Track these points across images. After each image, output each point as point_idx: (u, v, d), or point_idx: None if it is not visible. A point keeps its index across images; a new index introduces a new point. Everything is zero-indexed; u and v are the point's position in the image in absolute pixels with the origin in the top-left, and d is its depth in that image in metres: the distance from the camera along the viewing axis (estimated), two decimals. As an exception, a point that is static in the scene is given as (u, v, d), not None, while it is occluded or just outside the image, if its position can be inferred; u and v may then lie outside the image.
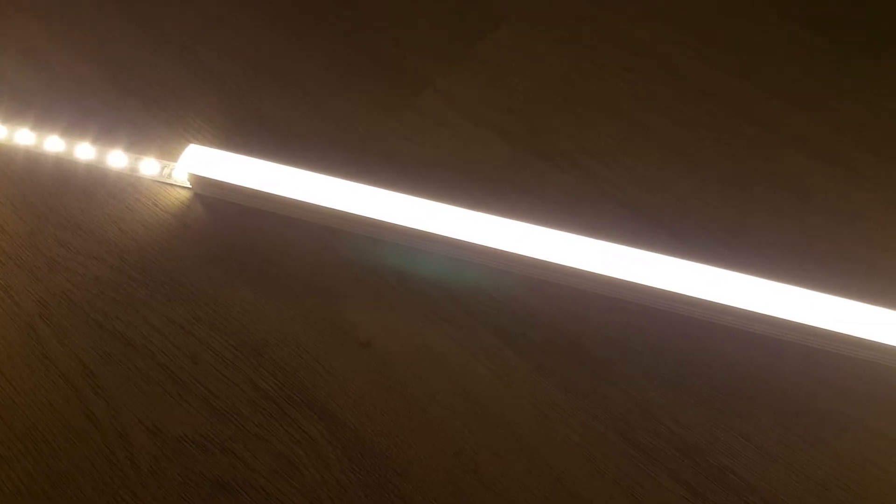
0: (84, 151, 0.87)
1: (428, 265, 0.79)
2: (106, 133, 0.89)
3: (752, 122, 0.90)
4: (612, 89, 0.93)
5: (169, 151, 0.88)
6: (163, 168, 0.86)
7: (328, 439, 0.69)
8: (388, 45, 0.98)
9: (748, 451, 0.68)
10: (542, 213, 0.80)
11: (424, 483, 0.67)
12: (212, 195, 0.84)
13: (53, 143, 0.87)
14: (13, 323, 0.76)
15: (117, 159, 0.86)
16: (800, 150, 0.87)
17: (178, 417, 0.70)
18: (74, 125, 0.90)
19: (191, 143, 0.86)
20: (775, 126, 0.89)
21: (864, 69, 0.95)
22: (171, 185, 0.86)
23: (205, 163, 0.83)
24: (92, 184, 0.86)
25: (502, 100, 0.92)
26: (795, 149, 0.87)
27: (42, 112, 0.91)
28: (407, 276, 0.78)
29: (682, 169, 0.86)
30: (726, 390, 0.71)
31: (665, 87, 0.93)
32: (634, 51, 0.96)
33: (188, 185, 0.85)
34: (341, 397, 0.71)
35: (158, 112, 0.91)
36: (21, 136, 0.88)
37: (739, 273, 0.74)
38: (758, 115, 0.90)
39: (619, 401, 0.71)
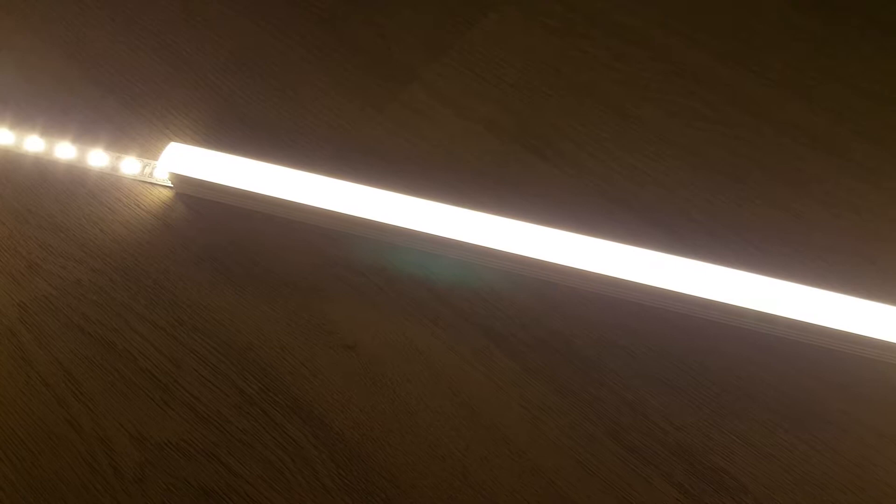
0: (64, 151, 0.85)
1: (415, 264, 0.77)
2: (86, 131, 0.87)
3: (748, 111, 0.88)
4: (603, 79, 0.91)
5: (150, 150, 0.86)
6: (144, 167, 0.84)
7: (314, 444, 0.68)
8: (373, 36, 0.96)
9: (744, 452, 0.67)
10: (531, 209, 0.78)
11: (413, 488, 0.65)
12: (194, 194, 0.83)
13: (32, 143, 0.85)
14: (-7, 328, 0.75)
15: (98, 158, 0.84)
16: (797, 140, 0.85)
17: (161, 423, 0.69)
18: (53, 124, 0.88)
19: (172, 140, 0.84)
20: (772, 115, 0.87)
21: (863, 56, 0.92)
22: (153, 184, 0.84)
23: (186, 161, 0.81)
24: (72, 184, 0.84)
25: (490, 92, 0.90)
26: (792, 139, 0.85)
27: (20, 111, 0.89)
28: (393, 276, 0.77)
29: (675, 161, 0.84)
30: (721, 389, 0.70)
31: (657, 76, 0.91)
32: (626, 40, 0.94)
33: (170, 184, 0.83)
34: (327, 401, 0.70)
35: (139, 109, 0.89)
36: (-1, 136, 0.87)
37: (734, 269, 0.72)
38: (753, 105, 0.88)
39: (610, 401, 0.69)
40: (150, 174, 0.83)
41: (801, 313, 0.70)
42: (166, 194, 0.83)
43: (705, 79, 0.90)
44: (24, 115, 0.89)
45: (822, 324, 0.69)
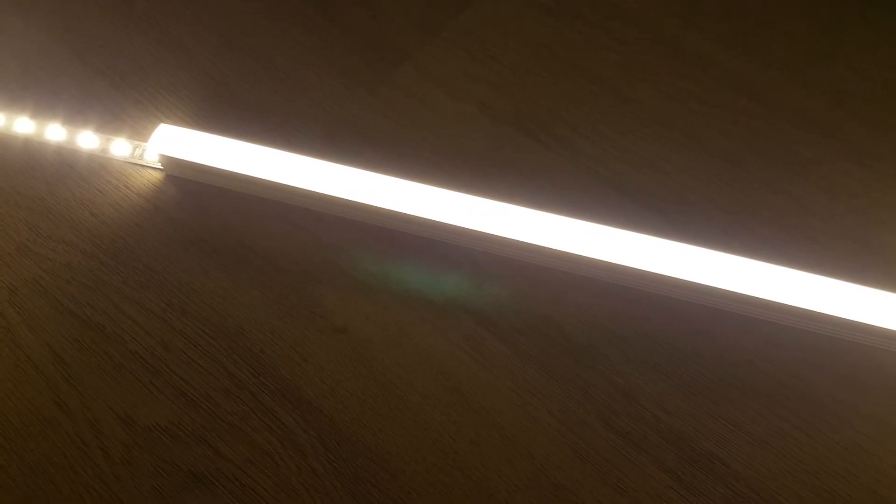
0: (53, 133, 0.84)
1: (406, 248, 0.77)
2: (75, 113, 0.86)
3: (746, 94, 0.86)
4: (599, 61, 0.90)
5: (140, 131, 0.85)
6: (134, 149, 0.83)
7: (303, 427, 0.67)
8: (365, 17, 0.95)
9: (736, 439, 0.66)
10: (525, 193, 0.77)
11: (402, 472, 0.65)
12: (184, 176, 0.82)
13: (22, 125, 0.85)
14: (-18, 310, 0.74)
15: (87, 140, 0.83)
16: (795, 124, 0.84)
17: (150, 406, 0.69)
18: (43, 106, 0.87)
19: (162, 122, 0.83)
20: (770, 98, 0.86)
21: (864, 39, 0.91)
22: (143, 166, 0.83)
23: (176, 143, 0.80)
24: (62, 166, 0.83)
25: (484, 74, 0.89)
26: (791, 122, 0.84)
27: (9, 93, 0.88)
28: (384, 260, 0.76)
29: (671, 145, 0.83)
30: (715, 376, 0.69)
31: (654, 58, 0.90)
32: (623, 21, 0.93)
33: (160, 166, 0.82)
34: (317, 385, 0.69)
35: (129, 90, 0.88)
36: (-12, 118, 0.86)
37: (731, 254, 0.71)
38: (751, 88, 0.87)
39: (603, 387, 0.69)
40: (141, 156, 0.83)
41: (796, 299, 0.69)
42: (156, 176, 0.83)
43: (702, 61, 0.89)
44: (14, 96, 0.88)
45: (818, 310, 0.68)
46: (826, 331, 0.70)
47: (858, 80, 0.87)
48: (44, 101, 0.87)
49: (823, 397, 0.68)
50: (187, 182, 0.82)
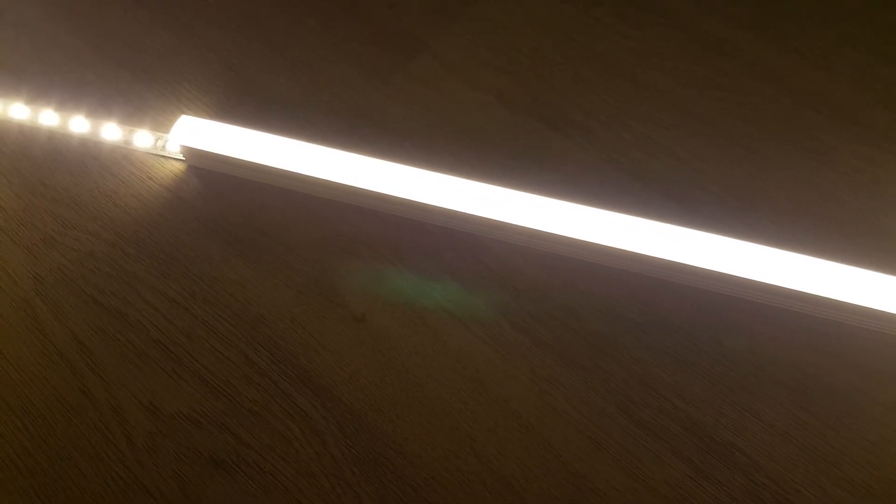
0: (77, 125, 0.85)
1: (424, 237, 0.77)
2: (99, 105, 0.88)
3: (765, 79, 0.85)
4: (617, 48, 0.89)
5: (162, 123, 0.86)
6: (156, 140, 0.84)
7: (322, 414, 0.68)
8: (382, 7, 0.95)
9: (756, 429, 0.66)
10: (542, 180, 0.77)
11: (419, 459, 0.65)
12: (206, 167, 0.83)
13: (46, 118, 0.86)
14: (9, 299, 0.76)
15: (110, 132, 0.85)
16: (816, 110, 0.83)
17: (173, 393, 0.70)
18: (67, 98, 0.88)
19: (183, 113, 0.84)
20: (790, 84, 0.85)
21: (887, 22, 0.89)
22: (165, 157, 0.84)
23: (198, 134, 0.81)
24: (86, 158, 0.85)
25: (501, 62, 0.89)
26: (812, 108, 0.83)
27: (34, 86, 0.90)
28: (402, 249, 0.76)
29: (689, 132, 0.82)
30: (735, 365, 0.69)
31: (672, 44, 0.89)
32: (640, 6, 0.92)
33: (181, 157, 0.83)
34: (336, 372, 0.70)
35: (150, 82, 0.90)
36: (14, 111, 0.87)
37: (750, 242, 0.71)
38: (771, 73, 0.86)
39: (621, 376, 0.69)
40: (163, 147, 0.84)
41: (816, 287, 0.68)
42: (178, 167, 0.84)
43: (721, 47, 0.88)
44: (39, 90, 0.89)
45: (839, 298, 0.68)
46: (848, 320, 0.69)
47: (881, 64, 0.85)
48: (68, 94, 0.89)
49: (844, 387, 0.67)
50: (209, 173, 0.83)
